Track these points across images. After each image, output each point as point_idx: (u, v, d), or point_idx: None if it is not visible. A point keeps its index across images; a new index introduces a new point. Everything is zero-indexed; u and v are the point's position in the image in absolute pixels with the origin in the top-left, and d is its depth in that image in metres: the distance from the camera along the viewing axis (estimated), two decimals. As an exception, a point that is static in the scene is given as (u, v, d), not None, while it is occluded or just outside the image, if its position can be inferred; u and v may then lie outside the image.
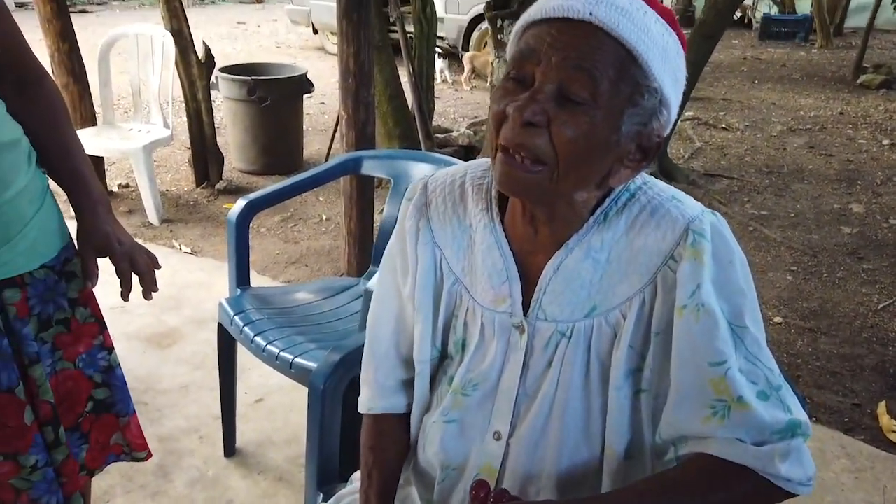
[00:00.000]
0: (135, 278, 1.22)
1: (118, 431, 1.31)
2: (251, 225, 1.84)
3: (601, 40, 0.72)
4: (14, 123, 1.13)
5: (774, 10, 10.45)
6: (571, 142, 0.73)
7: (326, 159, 4.50)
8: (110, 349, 1.27)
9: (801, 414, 0.80)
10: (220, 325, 1.78)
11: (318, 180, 1.89)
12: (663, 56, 0.74)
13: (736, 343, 0.78)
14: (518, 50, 0.76)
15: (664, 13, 0.77)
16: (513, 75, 0.76)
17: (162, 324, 2.61)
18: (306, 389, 1.37)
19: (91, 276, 1.20)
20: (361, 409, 1.00)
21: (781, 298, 2.93)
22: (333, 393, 1.21)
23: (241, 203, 1.77)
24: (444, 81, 6.47)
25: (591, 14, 0.71)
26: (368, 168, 1.92)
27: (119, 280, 1.20)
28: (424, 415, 0.95)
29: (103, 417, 1.29)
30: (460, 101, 6.23)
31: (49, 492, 1.19)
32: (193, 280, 2.97)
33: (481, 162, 0.93)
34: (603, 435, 0.84)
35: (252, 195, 1.81)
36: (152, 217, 3.55)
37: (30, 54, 1.18)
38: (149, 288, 1.24)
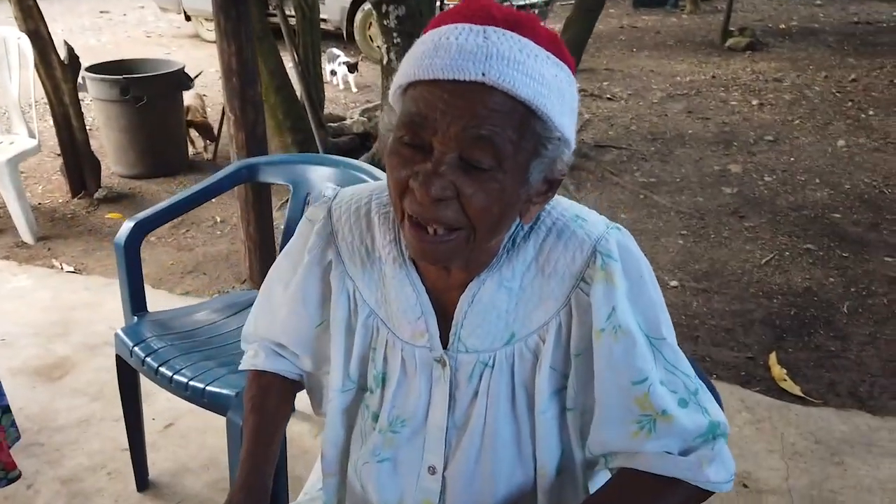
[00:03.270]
0: None
1: None
2: (139, 235, 1.71)
3: (497, 101, 0.67)
4: None
5: (646, -21, 10.86)
6: (484, 209, 0.71)
7: (214, 157, 4.29)
8: None
9: (718, 414, 0.83)
10: (118, 357, 1.67)
11: (210, 192, 1.79)
12: (560, 99, 0.71)
13: (655, 356, 0.80)
14: (407, 113, 0.70)
15: (551, 41, 0.72)
16: (407, 140, 0.71)
17: (50, 353, 2.42)
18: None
19: None
20: (244, 367, 1.01)
21: (675, 262, 3.09)
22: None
23: (128, 225, 1.65)
24: (348, 90, 5.76)
25: (483, 74, 0.66)
26: (264, 176, 1.84)
27: None
28: (341, 448, 0.94)
29: None
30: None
31: None
32: (79, 301, 2.75)
33: (384, 186, 0.89)
34: (534, 456, 0.85)
35: (140, 215, 1.69)
36: (26, 236, 3.26)
37: None
38: None
